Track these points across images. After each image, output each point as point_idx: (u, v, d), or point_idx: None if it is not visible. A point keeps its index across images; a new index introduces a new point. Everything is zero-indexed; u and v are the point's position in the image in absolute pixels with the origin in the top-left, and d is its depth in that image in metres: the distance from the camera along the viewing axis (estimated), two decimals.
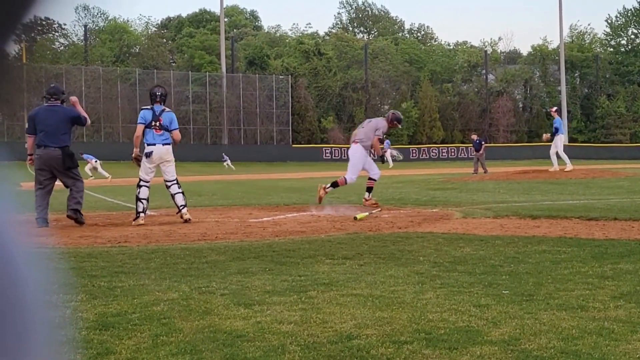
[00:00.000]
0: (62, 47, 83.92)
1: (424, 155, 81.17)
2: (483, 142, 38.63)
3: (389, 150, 53.86)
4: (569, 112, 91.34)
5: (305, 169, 56.41)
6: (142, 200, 13.08)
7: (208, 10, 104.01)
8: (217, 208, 16.56)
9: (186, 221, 12.95)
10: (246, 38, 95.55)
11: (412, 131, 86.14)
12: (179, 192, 13.25)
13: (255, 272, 7.27)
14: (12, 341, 0.81)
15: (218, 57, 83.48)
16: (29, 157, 12.65)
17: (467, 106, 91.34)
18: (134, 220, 12.95)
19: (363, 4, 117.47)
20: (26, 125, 12.31)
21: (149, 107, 13.43)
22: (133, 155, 13.66)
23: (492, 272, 7.03)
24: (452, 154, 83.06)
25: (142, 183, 13.21)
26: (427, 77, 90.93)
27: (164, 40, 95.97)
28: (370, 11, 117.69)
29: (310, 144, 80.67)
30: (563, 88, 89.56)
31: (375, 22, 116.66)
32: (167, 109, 13.49)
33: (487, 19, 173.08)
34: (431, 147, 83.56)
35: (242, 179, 37.14)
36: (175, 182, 13.29)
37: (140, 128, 13.32)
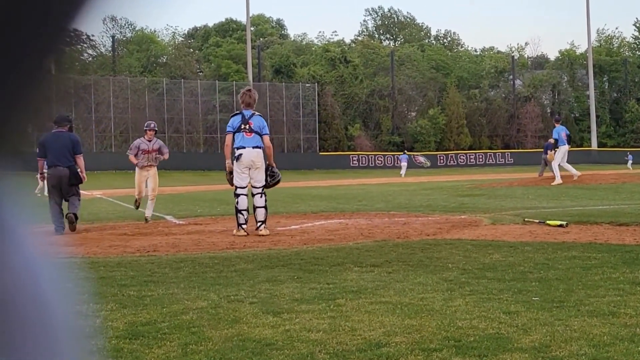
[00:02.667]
0: (90, 58, 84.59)
1: (452, 161, 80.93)
2: (550, 147, 37.90)
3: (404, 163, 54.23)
4: (597, 116, 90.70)
5: (333, 176, 56.43)
6: (242, 212, 12.50)
7: (234, 19, 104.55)
8: None
9: (259, 230, 12.35)
10: (272, 47, 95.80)
11: (440, 138, 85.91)
12: (262, 207, 12.60)
13: (284, 280, 7.27)
14: (40, 351, 0.82)
15: (245, 66, 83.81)
16: (40, 175, 14.38)
17: (495, 112, 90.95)
18: (236, 230, 12.47)
19: (389, 11, 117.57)
20: (37, 150, 13.37)
21: (237, 112, 13.10)
22: (227, 169, 12.91)
23: (521, 279, 6.98)
24: (480, 160, 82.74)
25: (238, 191, 12.64)
26: (454, 84, 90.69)
27: (191, 49, 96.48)
28: (396, 18, 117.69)
29: (337, 151, 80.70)
30: (591, 93, 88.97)
31: (402, 29, 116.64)
32: (257, 113, 13.03)
33: (513, 24, 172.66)
34: (459, 153, 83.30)
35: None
36: (261, 192, 12.69)
37: (228, 137, 12.88)
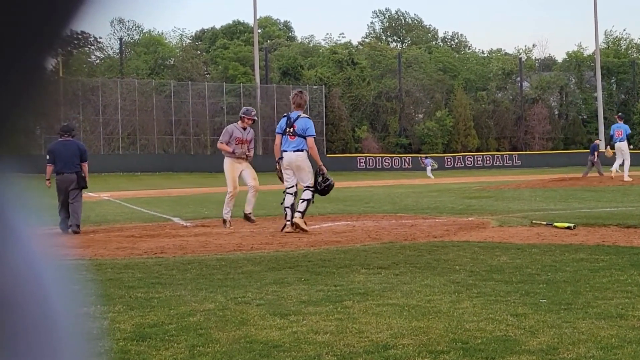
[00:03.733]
0: (98, 60, 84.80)
1: (459, 163, 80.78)
2: (596, 148, 37.74)
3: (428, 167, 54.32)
4: (605, 118, 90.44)
5: (340, 178, 56.34)
6: (286, 209, 12.98)
7: (242, 21, 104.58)
8: None
9: (293, 226, 12.76)
10: (280, 49, 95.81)
11: (447, 140, 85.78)
12: (304, 200, 12.95)
13: (291, 282, 7.28)
14: (45, 353, 0.82)
15: (252, 68, 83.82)
16: (47, 181, 14.65)
17: (502, 114, 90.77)
18: (281, 229, 12.92)
19: (396, 13, 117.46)
20: (47, 156, 14.33)
21: (285, 114, 13.44)
22: (277, 167, 13.41)
23: (529, 281, 6.97)
24: (488, 162, 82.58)
25: (286, 190, 13.14)
26: (462, 86, 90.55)
27: (198, 52, 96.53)
28: (403, 20, 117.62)
29: (344, 153, 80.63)
30: (599, 95, 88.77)
31: (409, 31, 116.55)
32: (304, 115, 13.32)
33: (521, 26, 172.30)
34: (466, 155, 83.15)
35: (277, 189, 37.20)
36: (310, 189, 13.06)
37: (277, 138, 13.38)
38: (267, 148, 79.20)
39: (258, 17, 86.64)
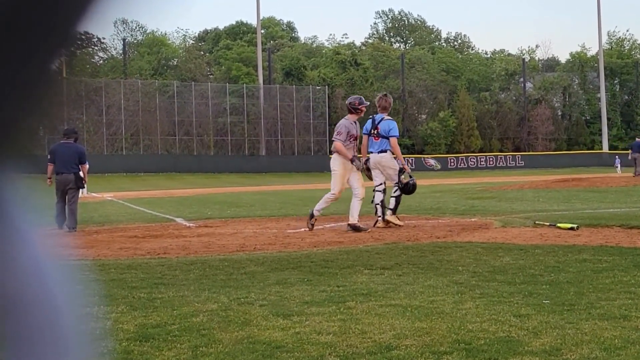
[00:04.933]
0: (101, 61, 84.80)
1: (462, 164, 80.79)
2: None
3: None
4: (609, 119, 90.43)
5: None
6: (376, 206, 13.64)
7: (245, 22, 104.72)
8: (255, 219, 16.61)
9: (385, 222, 13.46)
10: (283, 49, 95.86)
11: (450, 140, 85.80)
12: (393, 197, 13.69)
13: (294, 282, 7.27)
14: (47, 351, 0.82)
15: (255, 68, 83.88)
16: (48, 179, 15.24)
17: (505, 115, 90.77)
18: (374, 224, 13.49)
19: (399, 13, 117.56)
20: (48, 156, 14.91)
21: (371, 116, 14.10)
22: (362, 165, 13.72)
23: (532, 282, 6.96)
24: (491, 162, 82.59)
25: (375, 188, 13.75)
26: (465, 86, 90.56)
27: (202, 52, 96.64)
28: (406, 21, 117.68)
29: None
30: (603, 95, 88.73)
31: (412, 31, 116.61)
32: (388, 117, 13.92)
33: (524, 26, 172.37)
34: (469, 156, 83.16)
35: (280, 190, 37.23)
36: (397, 187, 13.77)
37: (364, 138, 13.91)
38: (269, 149, 79.31)
39: (261, 18, 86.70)
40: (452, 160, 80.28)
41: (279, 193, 32.67)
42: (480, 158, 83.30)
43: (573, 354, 4.43)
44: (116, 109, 72.67)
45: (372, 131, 13.75)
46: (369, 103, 13.71)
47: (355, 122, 13.43)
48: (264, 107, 78.73)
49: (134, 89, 74.78)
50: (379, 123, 13.74)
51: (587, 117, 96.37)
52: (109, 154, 69.63)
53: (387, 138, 13.64)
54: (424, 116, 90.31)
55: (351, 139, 13.26)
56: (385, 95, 14.39)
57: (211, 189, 39.37)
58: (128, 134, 73.41)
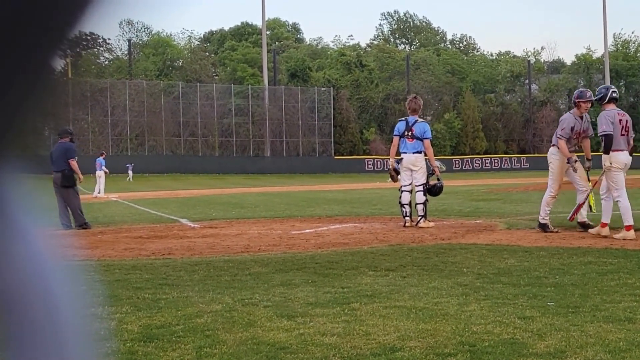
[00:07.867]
0: (106, 62, 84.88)
1: (467, 166, 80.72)
2: None
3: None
4: None
5: (348, 180, 56.37)
6: (404, 206, 13.91)
7: (250, 23, 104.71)
8: (259, 220, 16.60)
9: (412, 222, 13.74)
10: (288, 50, 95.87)
11: (455, 142, 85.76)
12: (421, 203, 13.82)
13: (298, 284, 7.28)
14: (49, 351, 0.82)
15: (260, 69, 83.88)
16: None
17: (511, 116, 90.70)
18: (404, 224, 13.75)
19: (404, 15, 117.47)
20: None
21: (403, 118, 14.38)
22: (390, 166, 14.50)
23: (537, 284, 6.96)
24: (496, 164, 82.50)
25: (402, 188, 14.04)
26: (470, 88, 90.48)
27: (207, 53, 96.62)
28: (411, 22, 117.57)
29: (352, 155, 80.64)
30: None
31: (417, 33, 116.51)
32: (421, 120, 14.34)
33: (529, 28, 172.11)
34: (474, 157, 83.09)
35: (285, 191, 37.21)
36: (422, 190, 13.94)
37: (395, 139, 14.25)
38: (274, 150, 79.29)
39: (266, 19, 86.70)
40: (457, 162, 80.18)
41: (283, 194, 32.65)
42: (485, 160, 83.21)
43: (577, 356, 4.43)
44: (121, 109, 72.75)
45: (407, 133, 13.98)
46: (590, 97, 12.85)
47: (581, 117, 12.88)
48: (269, 108, 78.74)
49: (139, 90, 74.85)
50: (413, 125, 14.02)
51: (593, 119, 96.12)
52: (114, 155, 69.66)
53: (422, 140, 13.94)
54: (429, 118, 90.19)
55: (574, 136, 12.69)
56: (415, 97, 14.71)
57: (216, 190, 39.37)
58: (133, 134, 73.48)
